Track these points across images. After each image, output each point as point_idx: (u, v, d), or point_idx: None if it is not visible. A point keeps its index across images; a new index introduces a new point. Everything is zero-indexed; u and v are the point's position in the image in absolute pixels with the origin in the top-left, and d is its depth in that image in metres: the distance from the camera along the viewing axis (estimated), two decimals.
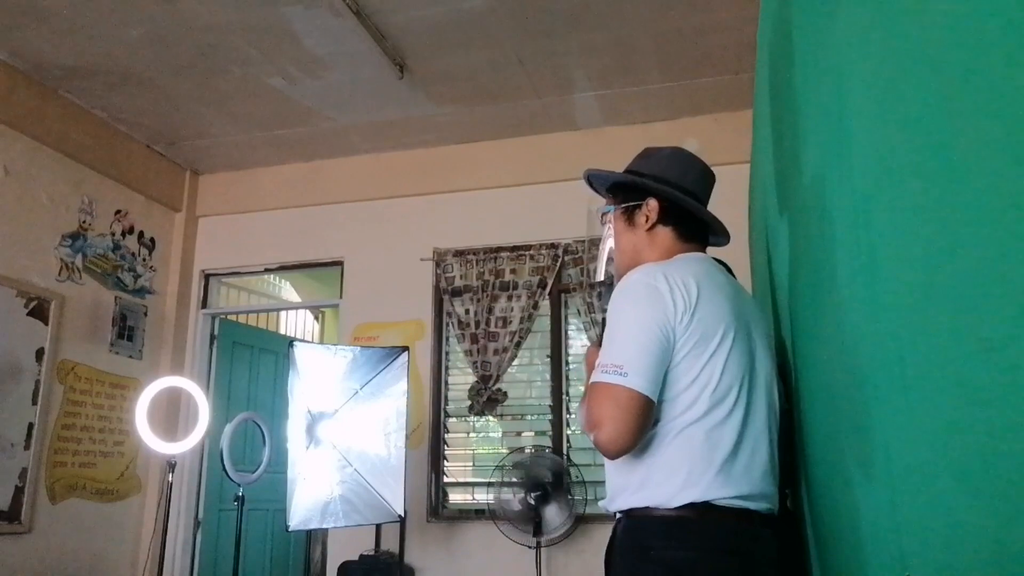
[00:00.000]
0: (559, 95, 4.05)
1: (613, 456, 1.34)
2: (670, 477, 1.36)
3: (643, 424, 1.34)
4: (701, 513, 1.34)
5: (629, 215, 1.62)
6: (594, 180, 1.73)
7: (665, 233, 1.59)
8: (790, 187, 1.59)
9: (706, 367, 1.39)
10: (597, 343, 1.60)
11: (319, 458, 3.52)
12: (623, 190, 1.65)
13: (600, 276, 1.71)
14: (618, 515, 1.46)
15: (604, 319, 1.59)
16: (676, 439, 1.37)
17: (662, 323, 1.37)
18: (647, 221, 1.59)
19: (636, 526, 1.39)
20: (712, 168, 1.74)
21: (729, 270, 1.64)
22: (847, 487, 1.14)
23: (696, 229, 1.62)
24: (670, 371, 1.38)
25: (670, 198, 1.59)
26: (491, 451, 4.30)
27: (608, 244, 1.66)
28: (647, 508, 1.37)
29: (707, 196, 1.65)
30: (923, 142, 0.69)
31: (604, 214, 1.68)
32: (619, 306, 1.43)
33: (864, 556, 1.04)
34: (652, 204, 1.59)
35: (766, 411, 1.46)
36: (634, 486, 1.39)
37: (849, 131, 0.93)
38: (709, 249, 1.70)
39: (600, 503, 1.56)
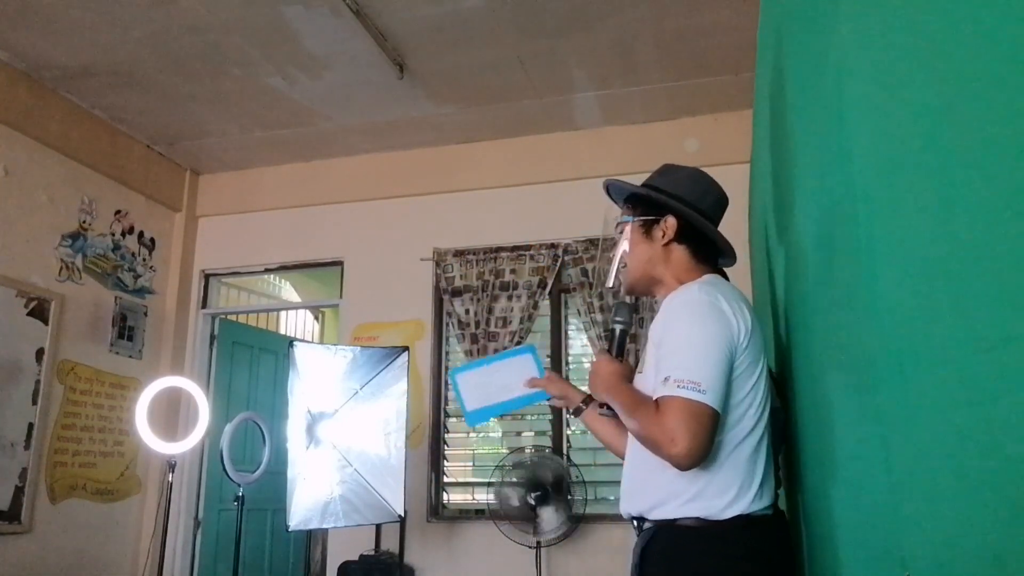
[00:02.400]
0: (559, 95, 4.05)
1: (686, 469, 1.40)
2: (725, 491, 1.43)
3: (713, 439, 1.41)
4: (743, 525, 1.43)
5: (647, 228, 1.66)
6: (612, 189, 1.77)
7: (680, 251, 1.64)
8: (790, 188, 1.59)
9: (754, 387, 1.47)
10: (607, 351, 1.67)
11: (319, 458, 3.52)
12: (643, 203, 1.69)
13: (610, 283, 1.74)
14: (654, 523, 1.50)
15: (615, 329, 1.68)
16: (732, 454, 1.45)
17: (729, 342, 1.44)
18: (663, 237, 1.64)
19: (680, 536, 1.45)
20: (712, 169, 1.76)
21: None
22: (847, 487, 1.14)
23: (709, 251, 1.67)
24: (728, 388, 1.45)
25: (689, 219, 1.63)
26: (491, 451, 4.30)
27: (620, 253, 1.70)
28: (697, 519, 1.44)
29: (720, 220, 1.71)
30: (923, 142, 0.69)
31: (620, 224, 1.72)
32: (684, 321, 1.47)
33: (864, 556, 1.04)
34: (671, 222, 1.63)
35: (774, 421, 1.56)
36: (686, 498, 1.45)
37: (849, 131, 0.93)
38: None
39: (625, 509, 1.60)
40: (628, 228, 1.69)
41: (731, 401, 1.45)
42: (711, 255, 1.67)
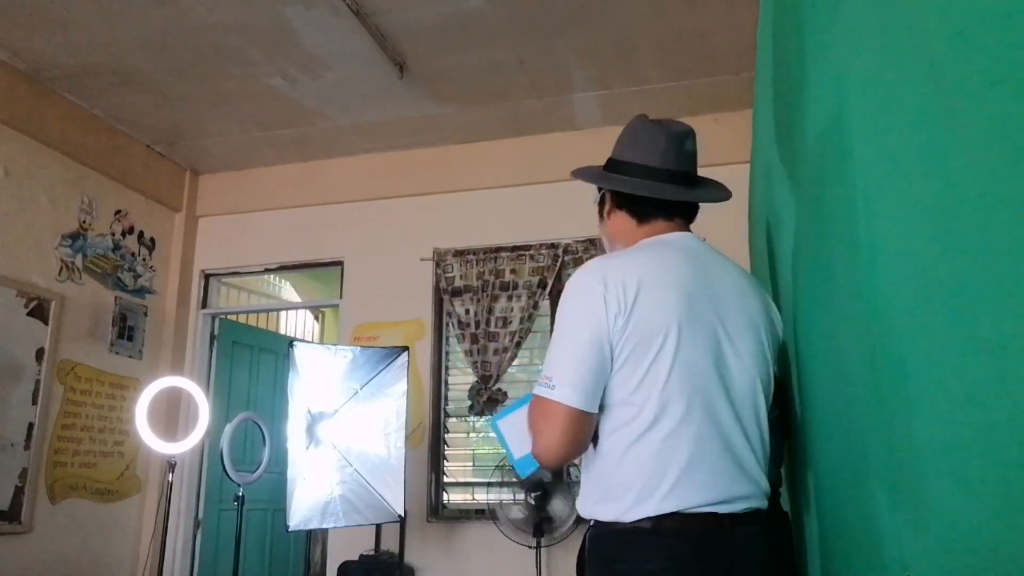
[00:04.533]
0: (559, 95, 4.05)
1: (551, 467, 1.35)
2: (625, 492, 1.30)
3: (575, 437, 1.31)
4: (661, 524, 1.27)
5: (600, 209, 1.61)
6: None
7: (622, 218, 1.54)
8: (790, 188, 1.59)
9: (650, 372, 1.30)
10: None
11: (319, 458, 3.52)
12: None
13: None
14: (591, 521, 1.41)
15: None
16: (629, 452, 1.31)
17: (595, 330, 1.31)
18: (608, 213, 1.57)
19: (600, 537, 1.35)
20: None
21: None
22: (847, 487, 1.14)
23: (652, 206, 1.50)
24: (612, 378, 1.32)
25: (604, 183, 1.56)
26: (491, 451, 4.30)
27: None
28: (609, 522, 1.33)
29: (678, 160, 1.51)
30: (923, 142, 0.69)
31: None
32: (559, 310, 1.40)
33: (864, 556, 1.04)
34: (604, 194, 1.58)
35: (732, 408, 1.35)
36: (596, 497, 1.36)
37: (849, 131, 0.93)
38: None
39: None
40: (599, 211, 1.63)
41: (620, 392, 1.31)
42: (663, 209, 1.50)
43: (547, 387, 1.31)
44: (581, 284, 1.36)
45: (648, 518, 1.28)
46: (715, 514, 1.29)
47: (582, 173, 1.62)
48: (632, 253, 1.44)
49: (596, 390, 1.32)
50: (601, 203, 1.60)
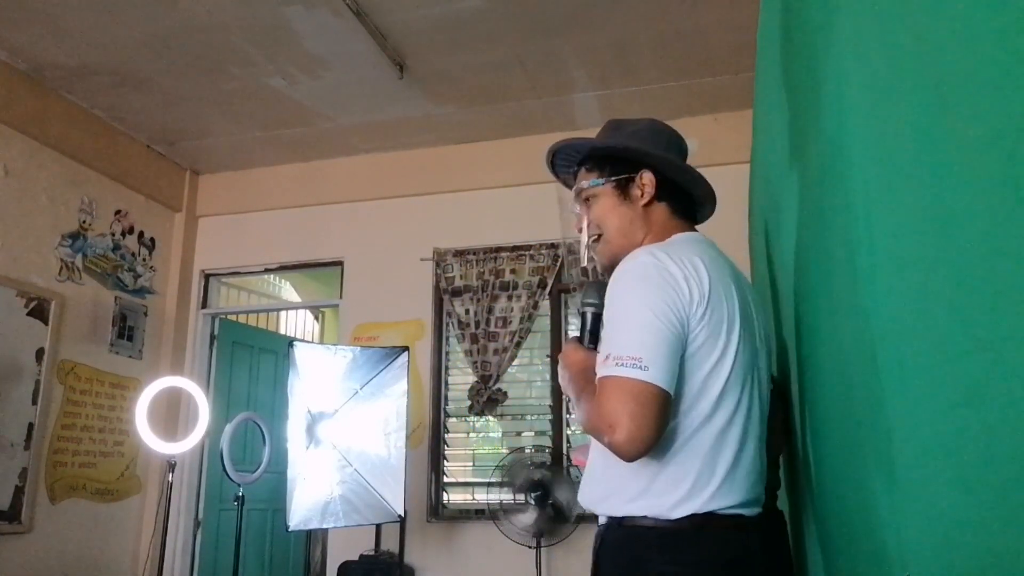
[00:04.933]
0: (559, 95, 4.05)
1: (631, 459, 1.21)
2: (675, 486, 1.25)
3: (664, 424, 1.21)
4: (700, 525, 1.24)
5: (621, 189, 1.46)
6: (563, 152, 1.56)
7: (661, 209, 1.45)
8: (789, 188, 1.59)
9: (718, 363, 1.27)
10: (577, 340, 1.47)
11: (319, 458, 3.52)
12: (609, 161, 1.48)
13: (584, 262, 1.61)
14: (607, 519, 1.35)
15: (586, 313, 1.47)
16: (687, 443, 1.26)
17: (677, 311, 1.24)
18: (643, 196, 1.44)
19: (631, 536, 1.29)
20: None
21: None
22: (847, 487, 1.14)
23: (687, 205, 1.50)
24: (681, 366, 1.25)
25: (667, 172, 1.45)
26: (491, 451, 4.30)
27: (587, 224, 1.50)
28: (644, 517, 1.27)
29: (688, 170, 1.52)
30: (922, 142, 0.69)
31: (585, 191, 1.49)
32: (625, 289, 1.28)
33: (864, 556, 1.04)
34: (647, 177, 1.44)
35: (760, 410, 1.36)
36: (632, 493, 1.28)
37: (848, 131, 0.93)
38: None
39: (581, 501, 1.42)
40: (598, 193, 1.48)
41: (685, 382, 1.25)
42: (689, 209, 1.50)
43: (637, 367, 1.19)
44: (653, 264, 1.27)
45: (688, 517, 1.24)
46: (742, 516, 1.28)
47: (631, 150, 1.47)
48: (683, 243, 1.37)
49: (677, 375, 1.24)
50: (623, 185, 1.46)
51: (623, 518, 1.30)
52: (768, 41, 1.95)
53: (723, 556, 1.25)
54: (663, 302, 1.24)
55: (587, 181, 1.49)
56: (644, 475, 1.27)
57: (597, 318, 1.40)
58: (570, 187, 1.58)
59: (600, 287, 1.39)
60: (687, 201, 1.50)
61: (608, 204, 1.47)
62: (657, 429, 1.19)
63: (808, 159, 1.30)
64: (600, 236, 1.48)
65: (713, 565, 1.25)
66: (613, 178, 1.46)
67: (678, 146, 1.51)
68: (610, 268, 1.41)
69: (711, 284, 1.28)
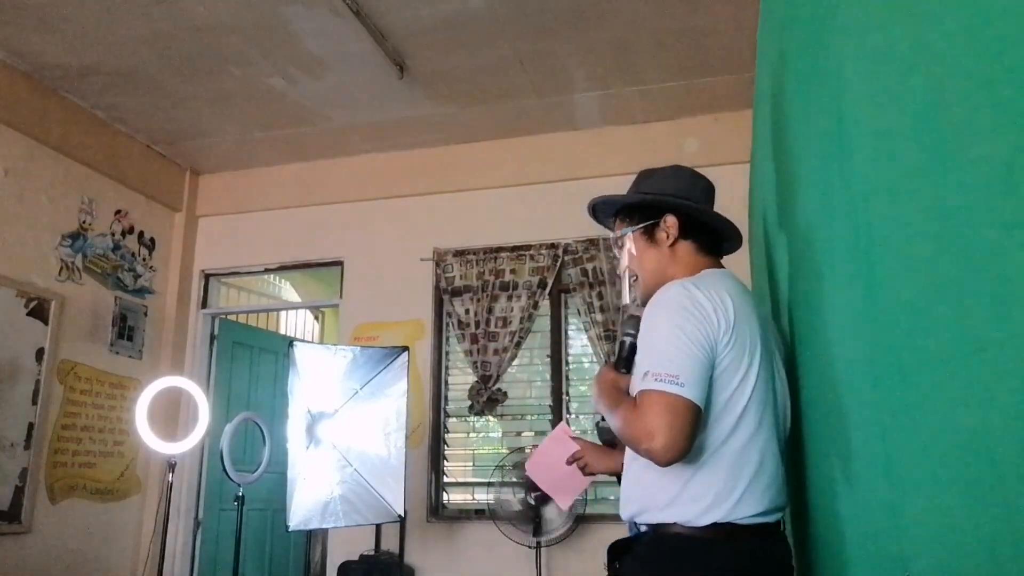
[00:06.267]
0: (559, 95, 4.05)
1: (665, 464, 1.35)
2: (701, 496, 1.39)
3: (695, 435, 1.36)
4: (726, 533, 1.37)
5: (649, 234, 1.64)
6: (601, 208, 1.75)
7: (686, 247, 1.62)
8: (790, 188, 1.59)
9: (740, 385, 1.42)
10: (613, 364, 1.64)
11: (319, 458, 3.52)
12: (637, 211, 1.67)
13: (627, 299, 1.73)
14: (643, 527, 1.48)
15: (625, 341, 1.63)
16: (711, 457, 1.40)
17: (707, 336, 1.39)
18: (668, 237, 1.62)
19: (662, 541, 1.42)
20: (712, 168, 1.76)
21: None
22: (847, 487, 1.14)
23: (712, 241, 1.65)
24: (709, 385, 1.40)
25: (687, 212, 1.62)
26: (491, 451, 4.30)
27: (626, 266, 1.68)
28: (675, 524, 1.40)
29: (712, 205, 1.70)
30: (922, 142, 0.69)
31: (619, 238, 1.70)
32: (660, 315, 1.44)
33: (864, 556, 1.04)
34: (671, 220, 1.62)
35: (777, 426, 1.50)
36: (661, 503, 1.42)
37: (848, 131, 0.93)
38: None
39: (624, 516, 1.56)
40: (629, 239, 1.67)
41: (712, 400, 1.40)
42: (714, 245, 1.66)
43: (675, 384, 1.34)
44: (685, 295, 1.43)
45: (713, 525, 1.37)
46: (765, 525, 1.42)
47: (652, 199, 1.65)
48: (711, 277, 1.53)
49: (707, 393, 1.40)
50: (650, 231, 1.64)
51: (657, 525, 1.44)
52: (768, 40, 1.95)
53: (745, 564, 1.39)
54: (695, 328, 1.40)
55: (620, 231, 1.71)
56: (673, 486, 1.41)
57: (634, 347, 1.58)
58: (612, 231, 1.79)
59: (638, 321, 1.55)
60: (712, 237, 1.66)
61: (639, 248, 1.66)
62: (690, 439, 1.34)
63: (808, 158, 1.30)
64: (637, 277, 1.67)
65: (736, 572, 1.39)
66: (640, 225, 1.66)
67: (703, 187, 1.68)
68: (647, 301, 1.59)
69: (736, 314, 1.44)
